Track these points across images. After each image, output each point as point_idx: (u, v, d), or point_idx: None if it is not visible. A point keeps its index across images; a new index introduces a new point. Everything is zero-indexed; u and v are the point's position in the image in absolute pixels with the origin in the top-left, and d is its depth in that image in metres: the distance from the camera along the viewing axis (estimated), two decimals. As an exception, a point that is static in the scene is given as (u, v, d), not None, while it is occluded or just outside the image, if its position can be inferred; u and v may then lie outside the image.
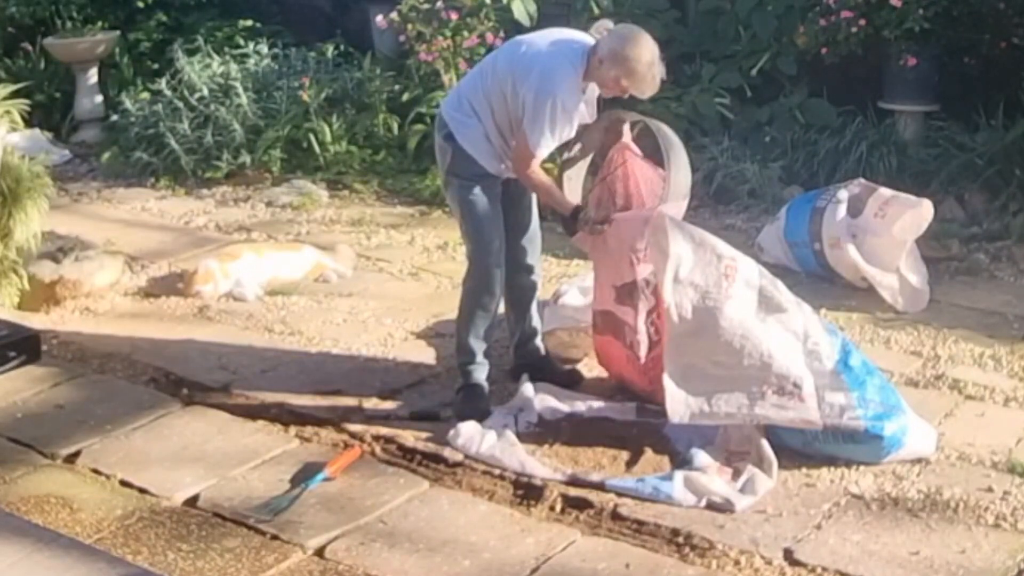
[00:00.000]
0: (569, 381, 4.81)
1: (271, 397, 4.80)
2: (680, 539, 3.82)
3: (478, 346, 4.68)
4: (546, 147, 4.41)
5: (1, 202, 5.52)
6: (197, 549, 3.80)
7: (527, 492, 4.11)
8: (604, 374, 4.91)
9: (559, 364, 4.90)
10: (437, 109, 7.55)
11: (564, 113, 4.36)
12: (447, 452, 4.33)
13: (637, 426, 4.47)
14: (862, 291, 5.62)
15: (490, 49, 7.51)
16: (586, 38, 4.56)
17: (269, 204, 7.26)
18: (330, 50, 8.27)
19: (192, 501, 4.10)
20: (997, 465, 4.19)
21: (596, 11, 7.49)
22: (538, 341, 4.89)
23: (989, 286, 5.81)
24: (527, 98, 4.37)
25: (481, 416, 4.53)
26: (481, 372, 4.70)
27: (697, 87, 7.29)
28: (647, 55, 4.39)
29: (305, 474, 4.20)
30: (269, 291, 5.86)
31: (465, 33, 7.50)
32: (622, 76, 4.36)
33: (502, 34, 7.52)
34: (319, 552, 3.80)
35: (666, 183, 4.50)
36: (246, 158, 7.64)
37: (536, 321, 4.88)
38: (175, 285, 5.96)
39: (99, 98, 8.82)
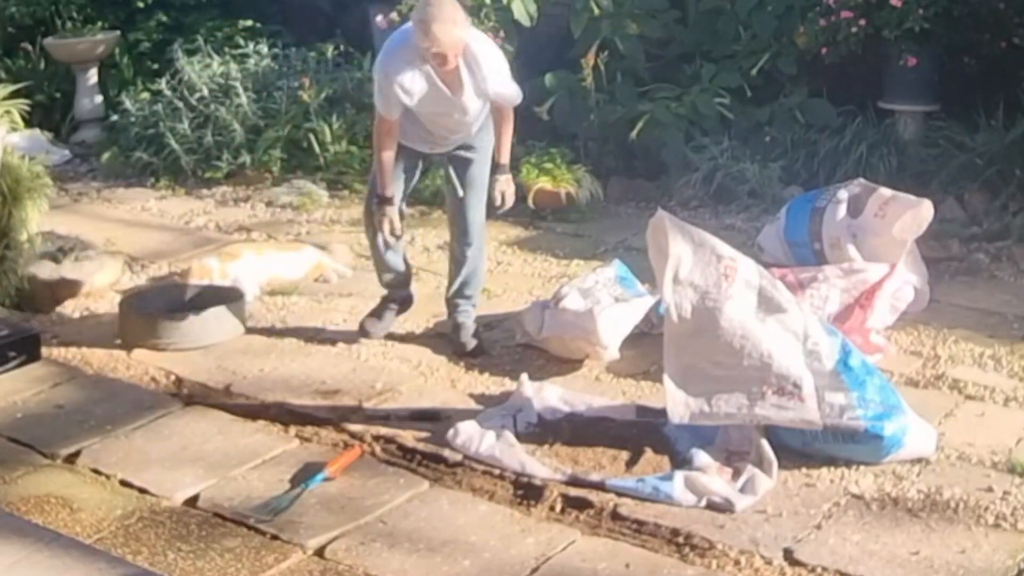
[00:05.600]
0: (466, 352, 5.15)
1: (271, 397, 4.80)
2: (680, 539, 3.82)
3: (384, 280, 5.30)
4: (382, 108, 4.84)
5: (1, 202, 5.52)
6: (197, 549, 3.80)
7: (527, 492, 4.11)
8: (603, 375, 4.92)
9: (462, 335, 5.20)
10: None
11: (387, 79, 4.74)
12: (447, 452, 4.33)
13: (637, 426, 4.47)
14: (862, 291, 5.62)
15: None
16: None
17: (269, 204, 7.26)
18: (330, 50, 8.26)
19: (192, 501, 4.09)
20: (997, 465, 4.19)
21: (596, 11, 7.49)
22: (456, 315, 5.24)
23: (989, 286, 5.82)
24: None
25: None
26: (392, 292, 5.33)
27: (697, 87, 7.29)
28: (440, 13, 4.60)
29: (305, 474, 4.20)
30: (269, 291, 5.86)
31: (465, 33, 7.49)
32: (423, 39, 4.61)
33: (502, 34, 7.52)
34: (319, 552, 3.80)
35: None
36: (246, 158, 7.64)
37: (460, 295, 5.21)
38: (175, 285, 5.96)
39: (99, 98, 8.83)
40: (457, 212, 5.13)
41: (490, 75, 4.77)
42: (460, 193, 5.07)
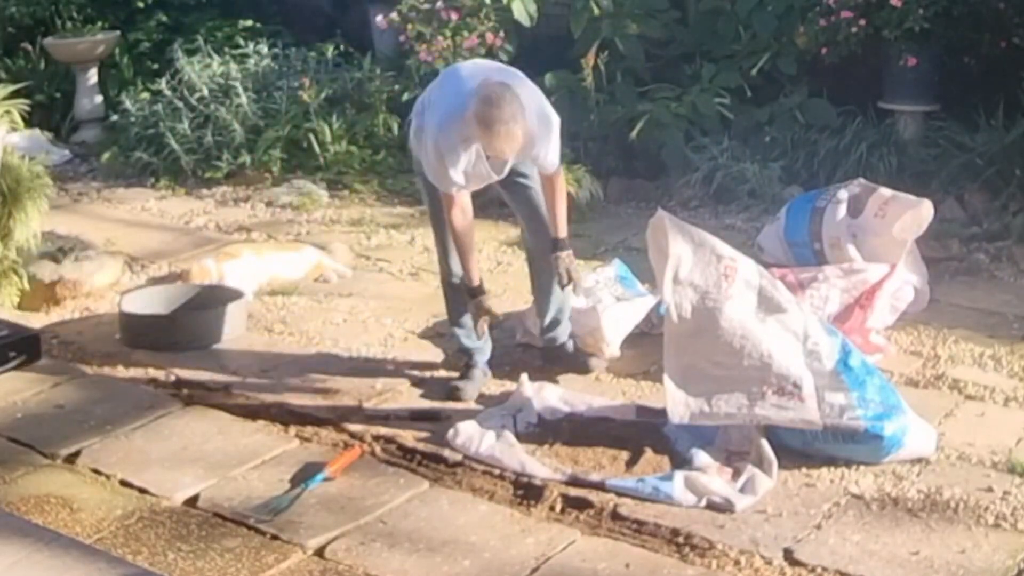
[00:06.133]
0: (580, 368, 4.87)
1: (271, 397, 4.80)
2: (680, 539, 3.81)
3: (466, 337, 4.83)
4: (442, 186, 4.50)
5: (1, 202, 5.52)
6: (197, 549, 3.80)
7: (527, 492, 4.10)
8: (603, 375, 4.91)
9: (578, 355, 4.91)
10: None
11: (439, 159, 4.43)
12: (447, 452, 4.33)
13: (637, 426, 4.47)
14: (862, 291, 5.62)
15: (490, 49, 7.52)
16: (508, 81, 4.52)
17: (269, 204, 7.26)
18: (330, 50, 8.27)
19: (192, 501, 4.09)
20: (997, 465, 4.19)
21: (596, 11, 7.49)
22: (556, 332, 4.91)
23: (989, 286, 5.81)
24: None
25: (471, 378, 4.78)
26: (480, 357, 4.84)
27: (697, 87, 7.29)
28: (501, 114, 4.25)
29: (305, 474, 4.20)
30: (269, 291, 5.86)
31: (465, 33, 7.50)
32: (479, 137, 4.33)
33: (502, 34, 7.53)
34: (319, 552, 3.80)
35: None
36: (246, 158, 7.64)
37: (555, 310, 4.88)
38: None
39: (99, 98, 8.83)
40: (531, 223, 4.83)
41: (542, 150, 4.50)
42: (526, 215, 4.83)
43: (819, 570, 3.66)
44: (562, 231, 4.72)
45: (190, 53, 8.23)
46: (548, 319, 4.92)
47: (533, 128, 4.42)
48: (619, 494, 4.04)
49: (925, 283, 5.56)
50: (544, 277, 4.85)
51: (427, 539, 3.84)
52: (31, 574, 3.45)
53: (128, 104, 8.10)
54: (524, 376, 4.75)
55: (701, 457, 4.17)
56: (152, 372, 5.06)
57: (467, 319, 4.82)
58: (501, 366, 4.98)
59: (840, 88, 7.15)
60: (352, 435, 4.50)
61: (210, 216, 7.15)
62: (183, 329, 5.33)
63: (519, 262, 6.19)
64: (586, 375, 4.87)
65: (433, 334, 5.37)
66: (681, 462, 4.19)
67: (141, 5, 9.25)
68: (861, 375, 4.21)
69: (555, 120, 4.57)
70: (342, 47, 8.38)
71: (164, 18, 9.17)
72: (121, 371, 5.09)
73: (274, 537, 3.86)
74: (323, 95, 7.78)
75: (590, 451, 4.30)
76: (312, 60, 8.19)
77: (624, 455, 4.27)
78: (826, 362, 4.20)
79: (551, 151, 4.56)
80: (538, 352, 5.09)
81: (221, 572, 3.69)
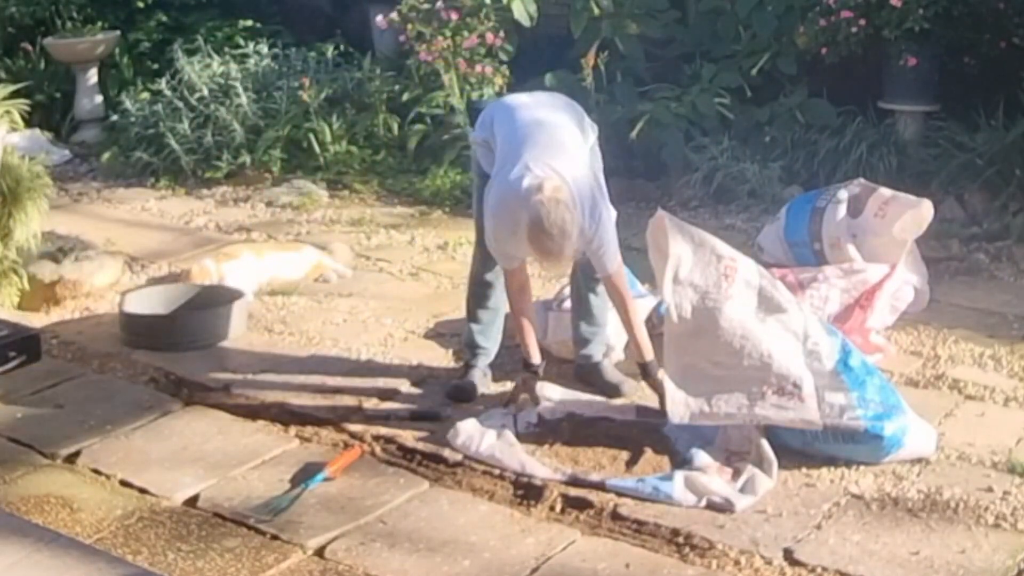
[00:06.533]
0: (610, 392, 4.73)
1: (271, 397, 4.80)
2: (680, 539, 3.81)
3: (479, 334, 4.82)
4: (502, 262, 4.48)
5: (1, 202, 5.52)
6: (197, 549, 3.80)
7: (527, 492, 4.10)
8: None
9: (608, 374, 4.79)
10: (437, 109, 7.59)
11: (495, 238, 4.41)
12: (447, 452, 4.33)
13: (637, 426, 4.47)
14: (862, 291, 5.62)
15: (490, 49, 7.52)
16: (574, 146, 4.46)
17: (269, 204, 7.26)
18: (330, 50, 8.27)
19: (192, 501, 4.09)
20: (997, 465, 4.19)
21: (596, 11, 7.49)
22: (590, 348, 4.83)
23: (989, 286, 5.82)
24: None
25: (461, 394, 4.71)
26: (483, 358, 4.81)
27: (697, 87, 7.29)
28: (555, 246, 4.15)
29: (305, 474, 4.20)
30: (269, 291, 5.86)
31: (465, 33, 7.51)
32: (533, 253, 4.27)
33: (502, 34, 7.53)
34: (319, 552, 3.80)
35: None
36: (246, 158, 7.64)
37: (585, 331, 4.82)
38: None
39: (99, 98, 8.83)
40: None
41: (594, 243, 4.36)
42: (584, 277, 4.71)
43: (819, 570, 3.66)
44: (648, 352, 4.51)
45: (190, 53, 8.23)
46: (582, 334, 4.83)
47: (584, 231, 4.27)
48: (619, 494, 4.04)
49: (925, 283, 5.56)
50: (582, 291, 4.79)
51: (427, 539, 3.84)
52: (31, 574, 3.45)
53: (128, 104, 8.10)
54: (524, 376, 4.75)
55: (701, 457, 4.17)
56: (152, 372, 5.06)
57: (484, 315, 4.80)
58: (501, 366, 4.97)
59: (840, 88, 7.16)
60: (352, 435, 4.50)
61: (210, 216, 7.15)
62: (183, 329, 5.33)
63: (519, 262, 6.20)
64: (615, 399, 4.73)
65: (433, 334, 5.37)
66: (681, 462, 4.19)
67: (141, 5, 9.25)
68: (861, 375, 4.21)
69: (609, 216, 4.41)
70: (342, 47, 8.38)
71: (164, 18, 9.17)
72: (121, 371, 5.09)
73: (274, 537, 3.86)
74: (323, 95, 7.78)
75: (590, 451, 4.30)
76: (312, 60, 8.19)
77: (624, 455, 4.27)
78: (826, 362, 4.21)
79: (603, 247, 4.39)
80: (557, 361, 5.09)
81: (221, 572, 3.69)
